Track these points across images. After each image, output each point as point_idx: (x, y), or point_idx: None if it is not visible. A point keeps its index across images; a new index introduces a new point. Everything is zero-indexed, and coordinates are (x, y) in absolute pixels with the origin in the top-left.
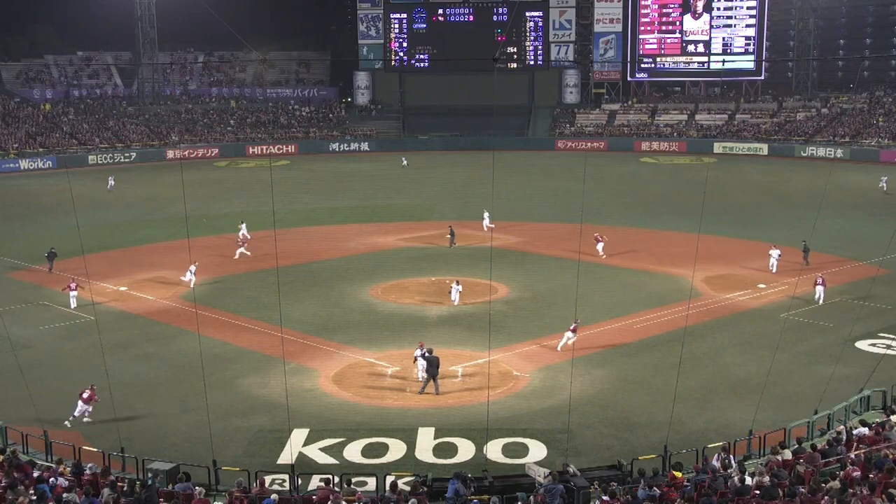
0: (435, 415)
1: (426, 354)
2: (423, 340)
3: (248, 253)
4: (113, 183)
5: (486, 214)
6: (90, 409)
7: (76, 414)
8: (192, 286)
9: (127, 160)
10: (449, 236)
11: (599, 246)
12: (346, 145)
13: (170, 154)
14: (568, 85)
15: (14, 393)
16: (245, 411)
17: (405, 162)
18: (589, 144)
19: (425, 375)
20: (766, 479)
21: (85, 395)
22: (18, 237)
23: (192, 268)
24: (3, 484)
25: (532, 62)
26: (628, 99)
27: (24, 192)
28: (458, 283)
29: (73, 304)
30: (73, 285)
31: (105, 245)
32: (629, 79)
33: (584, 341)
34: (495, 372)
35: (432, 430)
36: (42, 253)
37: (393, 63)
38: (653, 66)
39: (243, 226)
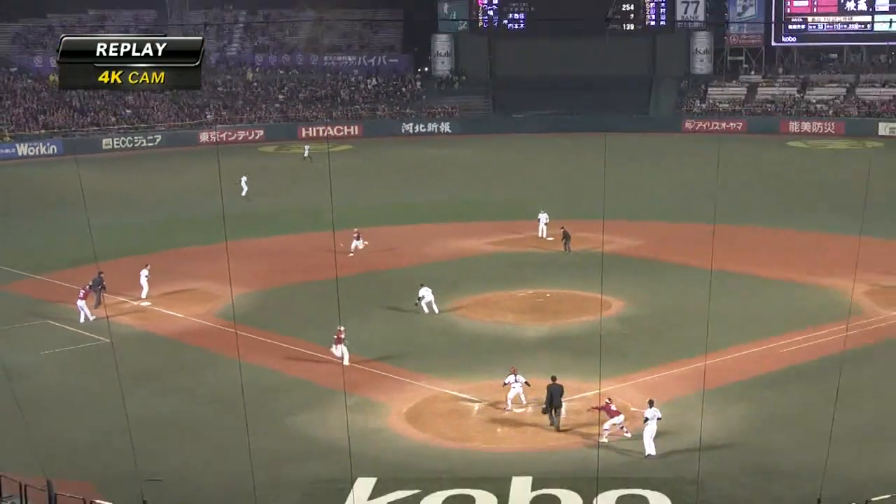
0: (533, 461)
1: (551, 383)
2: (515, 366)
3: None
4: (246, 187)
5: (542, 216)
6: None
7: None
8: (143, 296)
9: (150, 144)
10: (563, 240)
11: None
12: (421, 126)
13: (203, 137)
14: (698, 51)
15: (12, 434)
16: (297, 457)
17: (307, 152)
18: (724, 125)
19: (517, 409)
20: None
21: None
22: (16, 241)
23: (144, 272)
24: None
25: (653, 23)
26: (772, 69)
27: (23, 184)
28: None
29: (83, 318)
30: (82, 292)
31: (124, 250)
32: (773, 44)
33: (719, 370)
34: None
35: (529, 479)
36: (48, 261)
37: (480, 24)
38: (803, 27)
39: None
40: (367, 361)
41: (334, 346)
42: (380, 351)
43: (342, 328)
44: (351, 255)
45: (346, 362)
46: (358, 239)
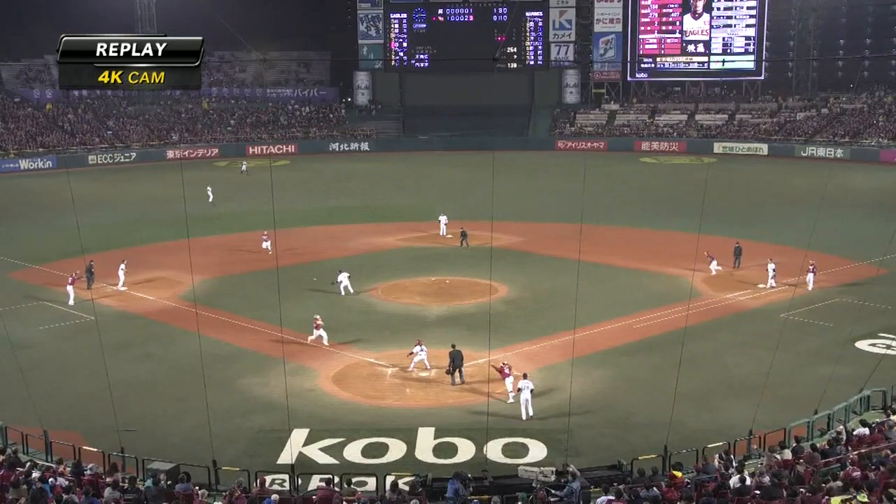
0: (435, 415)
1: (452, 350)
2: (421, 338)
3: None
4: (211, 195)
5: (442, 218)
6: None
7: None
8: (120, 285)
9: (127, 160)
10: (461, 237)
11: (713, 264)
12: (345, 145)
13: (170, 154)
14: (568, 85)
15: (15, 393)
16: (245, 411)
17: (245, 168)
18: (589, 144)
19: (423, 373)
20: (766, 478)
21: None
22: (18, 237)
23: (122, 266)
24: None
25: (532, 62)
26: (628, 99)
27: (24, 192)
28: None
29: (72, 301)
30: (71, 279)
31: (106, 245)
32: (629, 79)
33: (585, 341)
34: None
35: (432, 430)
36: (44, 253)
37: (393, 63)
38: (653, 66)
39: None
40: (301, 335)
41: (315, 331)
42: (311, 327)
43: (318, 316)
44: (265, 251)
45: (325, 343)
46: (266, 240)
